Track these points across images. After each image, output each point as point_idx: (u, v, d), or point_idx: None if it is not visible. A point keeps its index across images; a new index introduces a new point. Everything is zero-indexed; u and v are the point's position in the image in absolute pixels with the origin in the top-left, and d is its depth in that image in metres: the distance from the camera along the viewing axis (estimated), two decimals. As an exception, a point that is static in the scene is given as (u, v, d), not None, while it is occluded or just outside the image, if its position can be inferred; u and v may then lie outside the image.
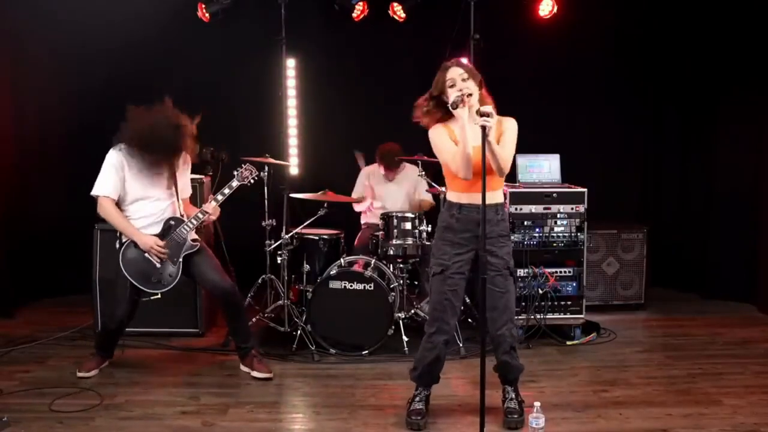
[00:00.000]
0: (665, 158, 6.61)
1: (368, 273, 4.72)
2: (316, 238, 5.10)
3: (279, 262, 5.06)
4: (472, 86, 3.52)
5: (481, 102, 3.56)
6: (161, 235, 4.18)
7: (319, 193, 5.18)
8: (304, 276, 5.00)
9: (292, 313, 4.92)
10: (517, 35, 5.93)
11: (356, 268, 4.85)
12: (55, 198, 6.08)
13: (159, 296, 4.30)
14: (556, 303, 5.05)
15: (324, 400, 4.04)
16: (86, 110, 5.95)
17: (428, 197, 5.67)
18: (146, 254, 4.14)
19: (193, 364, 4.59)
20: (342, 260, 4.92)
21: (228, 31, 5.99)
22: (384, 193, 5.72)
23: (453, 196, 3.66)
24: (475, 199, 3.46)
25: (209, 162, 5.23)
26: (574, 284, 5.10)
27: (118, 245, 4.20)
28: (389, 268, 4.98)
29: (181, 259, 4.19)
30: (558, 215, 5.05)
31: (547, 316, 5.02)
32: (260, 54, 5.93)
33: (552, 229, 5.05)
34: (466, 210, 3.58)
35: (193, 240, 4.24)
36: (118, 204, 4.16)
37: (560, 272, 5.08)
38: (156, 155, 4.06)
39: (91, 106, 5.92)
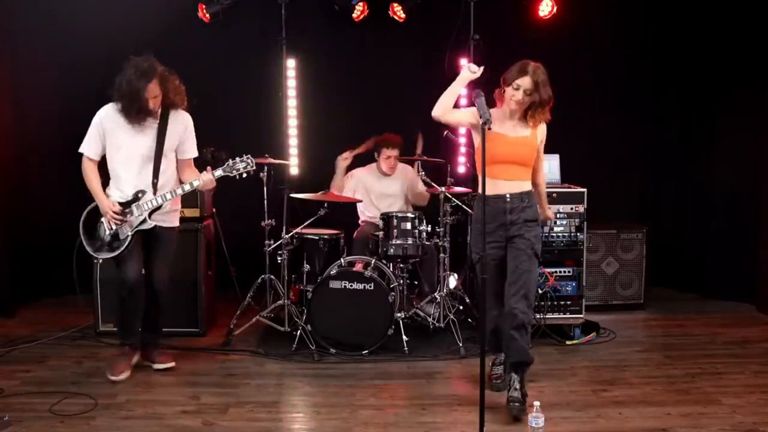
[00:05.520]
0: (665, 158, 6.61)
1: (368, 273, 4.73)
2: (316, 238, 5.10)
3: (279, 262, 5.07)
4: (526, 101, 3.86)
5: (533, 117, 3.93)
6: (125, 203, 4.11)
7: (319, 193, 5.18)
8: (304, 276, 5.01)
9: (292, 313, 4.93)
10: (517, 35, 5.92)
11: (356, 268, 4.86)
12: (55, 198, 6.07)
13: (99, 261, 4.54)
14: (555, 303, 5.06)
15: (324, 399, 4.04)
16: (86, 110, 5.89)
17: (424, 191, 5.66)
18: (102, 218, 4.13)
19: (193, 363, 4.59)
20: (342, 260, 4.93)
21: (228, 31, 5.99)
22: (381, 188, 5.63)
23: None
24: (500, 188, 3.77)
25: (209, 162, 5.24)
26: (574, 284, 5.11)
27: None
28: (389, 268, 4.99)
29: (130, 233, 4.10)
30: (557, 215, 5.05)
31: (547, 316, 5.03)
32: (260, 54, 5.94)
33: (552, 229, 5.05)
34: (492, 201, 3.75)
35: (162, 222, 4.19)
36: (109, 164, 4.16)
37: (560, 272, 5.09)
38: (128, 104, 4.06)
39: (91, 106, 5.86)
